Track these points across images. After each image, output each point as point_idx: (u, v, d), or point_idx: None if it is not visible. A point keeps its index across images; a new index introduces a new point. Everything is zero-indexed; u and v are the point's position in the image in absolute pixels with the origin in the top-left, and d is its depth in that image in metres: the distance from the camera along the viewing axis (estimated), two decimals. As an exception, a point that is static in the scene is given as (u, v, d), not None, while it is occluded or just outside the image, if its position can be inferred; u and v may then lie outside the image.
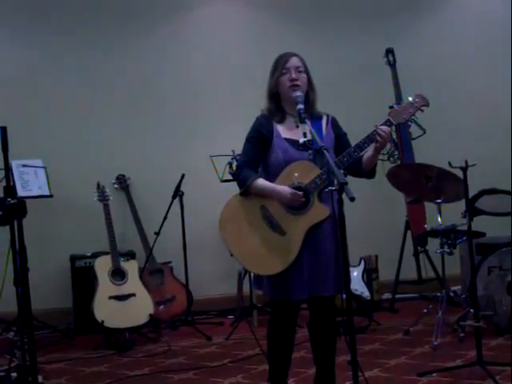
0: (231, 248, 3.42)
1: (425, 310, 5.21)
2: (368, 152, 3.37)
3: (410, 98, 3.39)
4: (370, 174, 3.48)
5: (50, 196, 5.59)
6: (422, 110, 3.38)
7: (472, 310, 4.47)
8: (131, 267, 5.59)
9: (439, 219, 4.94)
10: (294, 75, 3.38)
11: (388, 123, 3.33)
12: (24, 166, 5.51)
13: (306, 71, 3.44)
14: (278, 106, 3.46)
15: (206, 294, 6.21)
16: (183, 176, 5.78)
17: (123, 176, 6.16)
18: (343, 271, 3.00)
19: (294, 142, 3.36)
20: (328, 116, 3.52)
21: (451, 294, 5.32)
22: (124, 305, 5.39)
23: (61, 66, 6.15)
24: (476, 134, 6.60)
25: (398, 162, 6.10)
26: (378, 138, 3.27)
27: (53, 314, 5.86)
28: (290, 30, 6.45)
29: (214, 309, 6.23)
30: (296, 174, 3.31)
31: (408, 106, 3.37)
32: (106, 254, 5.60)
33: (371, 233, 6.39)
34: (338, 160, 3.29)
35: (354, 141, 3.38)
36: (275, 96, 3.45)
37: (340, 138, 3.49)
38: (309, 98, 3.42)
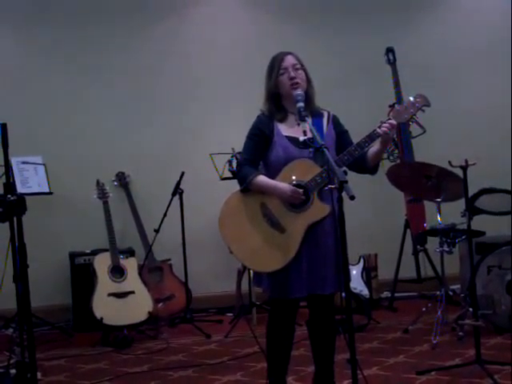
0: (230, 245, 3.42)
1: (424, 309, 5.22)
2: (374, 147, 3.36)
3: (412, 98, 3.37)
4: (373, 169, 3.47)
5: (50, 193, 5.60)
6: (423, 110, 3.37)
7: (471, 309, 4.47)
8: (130, 264, 5.59)
9: (439, 218, 4.93)
10: (292, 74, 3.37)
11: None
12: (24, 162, 5.51)
13: (303, 68, 3.43)
14: (278, 105, 3.45)
15: (205, 291, 6.22)
16: (183, 173, 5.78)
17: (123, 173, 6.15)
18: (343, 269, 3.01)
19: (294, 140, 3.36)
20: (329, 113, 3.52)
21: (450, 293, 5.33)
22: (123, 302, 5.39)
23: (61, 64, 6.13)
24: (476, 133, 6.59)
25: (398, 161, 6.10)
26: (380, 132, 3.27)
27: (52, 310, 5.86)
28: (290, 28, 6.44)
29: (213, 306, 6.23)
30: (296, 172, 3.31)
31: (409, 106, 3.36)
32: (105, 251, 5.60)
33: (371, 231, 6.39)
34: (339, 158, 3.28)
35: (354, 140, 3.38)
36: (275, 96, 3.44)
37: (342, 135, 3.49)
38: (308, 95, 3.40)
